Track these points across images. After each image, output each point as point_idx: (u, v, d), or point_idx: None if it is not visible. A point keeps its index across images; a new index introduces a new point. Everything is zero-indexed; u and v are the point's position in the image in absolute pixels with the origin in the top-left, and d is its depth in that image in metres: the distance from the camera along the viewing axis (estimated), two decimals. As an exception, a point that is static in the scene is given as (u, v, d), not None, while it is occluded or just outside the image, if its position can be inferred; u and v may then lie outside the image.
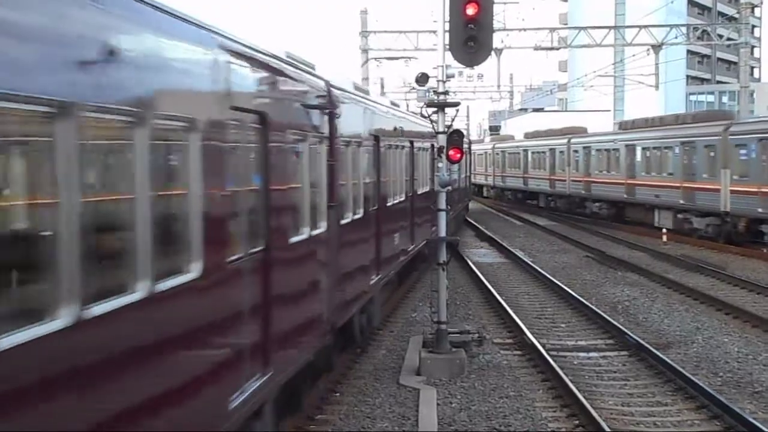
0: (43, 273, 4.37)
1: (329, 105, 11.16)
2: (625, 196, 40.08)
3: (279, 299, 8.55)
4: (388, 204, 17.28)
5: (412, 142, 20.98)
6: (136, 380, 5.34)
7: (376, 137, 15.87)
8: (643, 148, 38.32)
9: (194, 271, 6.27)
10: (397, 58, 42.86)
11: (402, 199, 19.35)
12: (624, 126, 44.41)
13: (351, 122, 12.97)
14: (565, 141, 49.06)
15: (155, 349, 5.66)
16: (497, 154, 63.53)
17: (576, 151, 47.09)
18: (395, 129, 18.50)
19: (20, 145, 4.33)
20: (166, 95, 5.87)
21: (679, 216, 35.06)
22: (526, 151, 56.28)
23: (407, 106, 40.42)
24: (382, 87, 57.78)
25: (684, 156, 34.91)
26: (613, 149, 41.97)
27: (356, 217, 13.64)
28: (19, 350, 3.97)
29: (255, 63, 8.09)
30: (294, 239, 9.29)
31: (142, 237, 5.41)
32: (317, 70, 10.96)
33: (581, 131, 52.11)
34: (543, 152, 52.37)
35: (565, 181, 48.63)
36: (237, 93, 7.37)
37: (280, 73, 9.05)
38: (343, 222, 12.46)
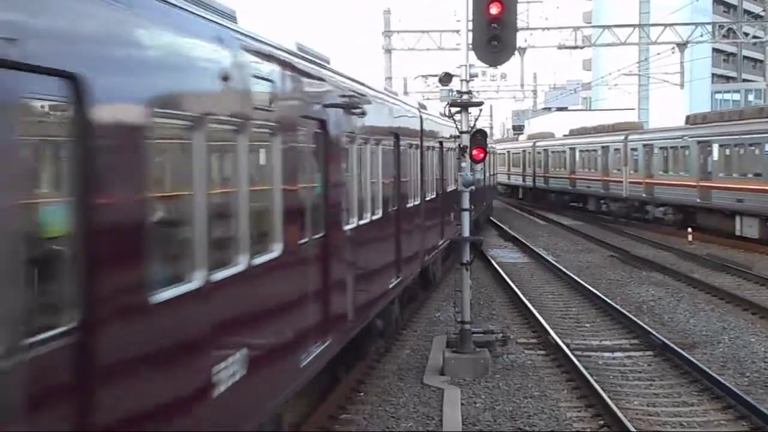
0: (184, 247, 6.02)
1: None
2: (698, 200, 35.46)
3: (336, 280, 10.25)
4: (408, 205, 16.99)
5: (441, 143, 21.54)
6: (246, 329, 7.11)
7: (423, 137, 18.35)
8: (722, 146, 33.79)
9: (276, 250, 7.85)
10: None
11: (433, 197, 19.57)
12: (693, 120, 39.22)
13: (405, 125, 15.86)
14: (621, 138, 44.03)
15: (256, 306, 7.42)
16: (538, 152, 58.57)
17: (634, 149, 42.16)
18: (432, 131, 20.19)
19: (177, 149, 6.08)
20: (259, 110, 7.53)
21: None
22: (573, 149, 51.43)
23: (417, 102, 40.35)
24: (405, 87, 57.77)
25: None
26: (682, 146, 37.21)
27: (374, 217, 13.42)
28: (171, 303, 5.60)
29: (316, 77, 9.78)
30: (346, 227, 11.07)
31: (243, 222, 7.01)
32: (358, 79, 12.60)
33: (636, 127, 47.71)
34: (593, 150, 47.63)
35: (621, 182, 43.63)
36: (305, 104, 9.21)
37: (334, 85, 10.65)
38: (361, 222, 12.29)
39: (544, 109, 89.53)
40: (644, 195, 40.70)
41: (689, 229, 34.54)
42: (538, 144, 59.56)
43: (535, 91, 74.81)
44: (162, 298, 5.39)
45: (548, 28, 41.53)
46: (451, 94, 16.14)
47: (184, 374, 5.85)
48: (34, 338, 4.05)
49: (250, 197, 7.10)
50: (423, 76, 49.82)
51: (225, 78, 6.58)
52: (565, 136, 56.79)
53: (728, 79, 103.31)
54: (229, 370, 6.51)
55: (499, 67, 15.65)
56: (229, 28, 6.94)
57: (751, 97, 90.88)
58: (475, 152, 14.56)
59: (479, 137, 14.82)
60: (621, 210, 43.79)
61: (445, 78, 15.90)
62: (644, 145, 41.28)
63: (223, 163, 6.87)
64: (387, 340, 15.15)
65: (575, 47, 42.26)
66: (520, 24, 21.36)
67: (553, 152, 55.58)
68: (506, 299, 21.33)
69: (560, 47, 41.47)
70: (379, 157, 13.63)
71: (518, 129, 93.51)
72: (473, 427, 11.35)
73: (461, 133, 14.70)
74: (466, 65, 14.68)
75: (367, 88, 12.98)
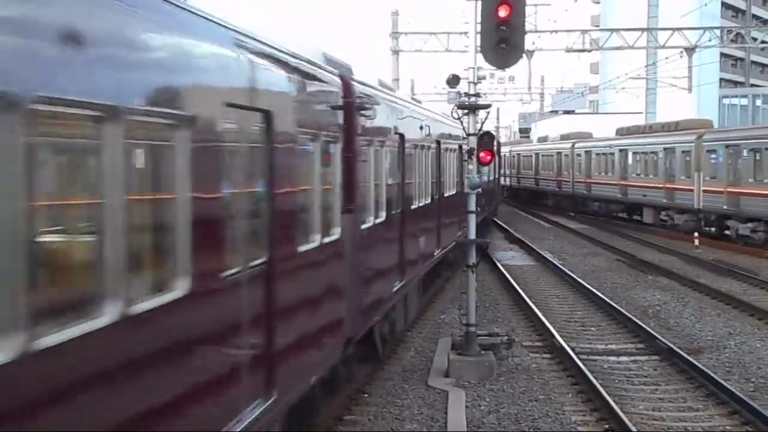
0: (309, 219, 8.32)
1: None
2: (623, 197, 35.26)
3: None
4: (413, 207, 16.58)
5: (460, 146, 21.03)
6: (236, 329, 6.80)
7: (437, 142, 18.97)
8: (634, 153, 33.05)
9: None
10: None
11: (428, 202, 18.89)
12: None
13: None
14: (692, 138, 37.50)
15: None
16: (578, 155, 51.98)
17: (712, 152, 35.71)
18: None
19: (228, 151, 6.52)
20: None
21: None
22: (624, 151, 44.98)
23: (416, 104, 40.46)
24: (413, 88, 57.75)
25: None
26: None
27: (378, 221, 12.98)
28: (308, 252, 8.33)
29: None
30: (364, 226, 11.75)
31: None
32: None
33: (705, 124, 41.71)
34: (653, 153, 41.16)
35: (691, 191, 36.92)
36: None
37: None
38: (363, 226, 11.85)
39: (551, 112, 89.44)
40: (725, 207, 34.29)
41: (696, 234, 34.44)
42: (578, 145, 52.77)
43: (542, 94, 74.85)
44: (303, 249, 8.28)
45: (556, 31, 41.54)
46: (459, 96, 16.08)
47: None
48: (251, 263, 6.88)
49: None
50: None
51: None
52: (610, 137, 49.69)
53: (736, 84, 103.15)
54: None
55: (506, 69, 15.57)
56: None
57: (758, 102, 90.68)
58: (482, 155, 14.54)
59: (486, 139, 14.81)
60: (690, 224, 36.98)
61: (453, 80, 15.89)
62: (726, 147, 34.71)
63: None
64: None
65: (583, 50, 42.27)
66: (528, 27, 21.33)
67: (598, 155, 48.67)
68: (511, 302, 21.31)
69: (568, 50, 41.48)
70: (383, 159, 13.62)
71: (525, 132, 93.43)
72: (478, 429, 11.34)
73: (468, 135, 14.69)
74: (474, 67, 14.68)
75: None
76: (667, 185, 39.27)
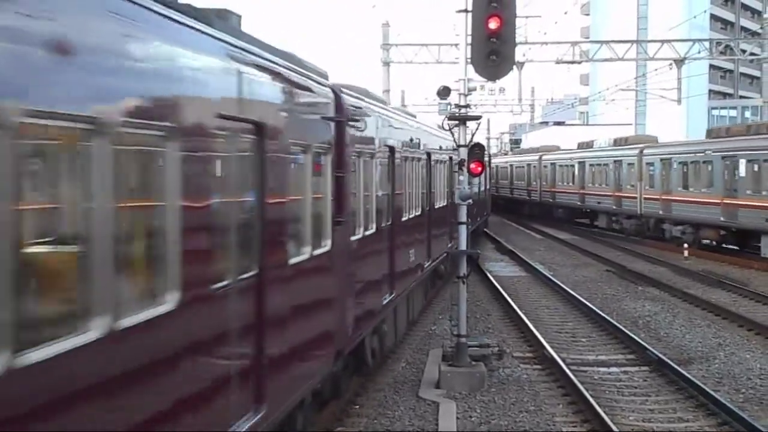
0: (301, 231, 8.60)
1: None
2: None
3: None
4: (403, 219, 16.31)
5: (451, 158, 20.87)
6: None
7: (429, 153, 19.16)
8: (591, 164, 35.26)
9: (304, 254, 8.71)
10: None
11: (418, 213, 18.47)
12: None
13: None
14: (635, 152, 39.35)
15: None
16: (544, 166, 52.53)
17: (650, 164, 38.09)
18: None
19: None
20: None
21: None
22: (582, 163, 45.97)
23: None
24: (403, 99, 57.82)
25: None
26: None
27: (368, 233, 12.72)
28: (299, 264, 8.48)
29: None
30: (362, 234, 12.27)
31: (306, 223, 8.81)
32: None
33: (650, 140, 43.36)
34: (605, 165, 43.73)
35: (635, 198, 39.32)
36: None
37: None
38: (353, 238, 11.60)
39: (541, 123, 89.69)
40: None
41: (685, 245, 34.58)
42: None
43: (532, 105, 75.04)
44: (294, 261, 8.29)
45: (546, 43, 41.71)
46: (449, 107, 16.13)
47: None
48: (241, 276, 6.87)
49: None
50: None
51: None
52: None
53: (725, 95, 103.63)
54: None
55: (497, 81, 15.63)
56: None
57: (747, 114, 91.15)
58: (472, 166, 14.58)
59: (477, 151, 14.85)
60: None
61: (444, 91, 15.95)
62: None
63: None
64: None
65: (573, 62, 42.48)
66: (518, 38, 21.41)
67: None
68: (502, 313, 21.32)
69: (558, 62, 41.66)
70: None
71: (516, 143, 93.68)
72: (468, 441, 11.33)
73: (459, 146, 14.73)
74: (464, 79, 14.73)
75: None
76: (616, 193, 43.21)
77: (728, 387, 14.19)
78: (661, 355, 15.71)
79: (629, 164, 41.83)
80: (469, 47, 13.99)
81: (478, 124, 15.23)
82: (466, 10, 14.06)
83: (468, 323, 14.82)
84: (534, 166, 58.33)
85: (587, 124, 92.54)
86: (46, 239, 4.38)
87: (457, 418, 12.22)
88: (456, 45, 17.58)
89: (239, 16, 7.81)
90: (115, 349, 4.76)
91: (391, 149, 14.97)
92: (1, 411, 3.86)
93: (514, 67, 16.10)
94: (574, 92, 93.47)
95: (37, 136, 4.19)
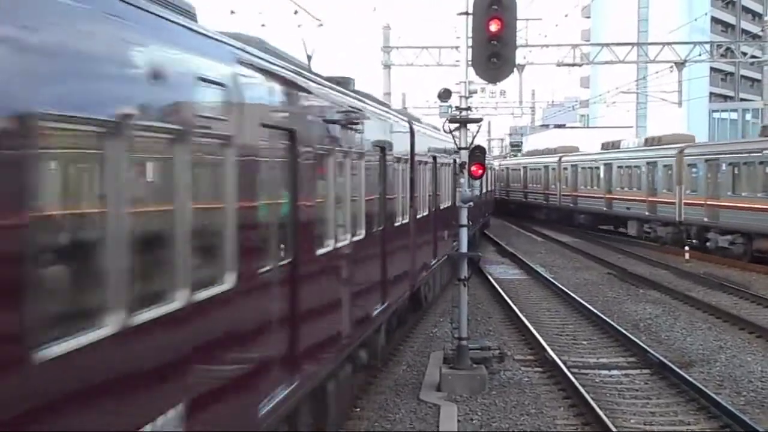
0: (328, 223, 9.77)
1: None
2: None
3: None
4: (396, 224, 15.56)
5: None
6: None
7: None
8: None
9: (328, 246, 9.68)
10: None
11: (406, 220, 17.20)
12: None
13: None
14: (674, 152, 36.50)
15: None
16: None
17: (693, 166, 35.30)
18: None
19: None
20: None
21: None
22: (609, 165, 43.81)
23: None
24: (404, 101, 57.84)
25: None
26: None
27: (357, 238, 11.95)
28: (324, 254, 9.40)
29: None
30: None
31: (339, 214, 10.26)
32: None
33: (688, 139, 40.53)
34: (636, 167, 40.60)
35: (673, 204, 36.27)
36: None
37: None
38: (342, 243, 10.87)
39: (542, 125, 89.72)
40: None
41: (686, 248, 34.52)
42: (564, 159, 52.40)
43: (533, 108, 75.08)
44: (322, 252, 9.26)
45: (547, 46, 41.74)
46: (450, 110, 16.15)
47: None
48: (276, 263, 7.67)
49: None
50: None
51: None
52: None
53: (726, 98, 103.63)
54: None
55: (498, 83, 15.68)
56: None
57: (748, 116, 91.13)
58: (473, 168, 14.58)
59: (478, 153, 14.85)
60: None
61: (445, 94, 15.95)
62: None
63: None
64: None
65: (573, 65, 42.52)
66: (519, 41, 21.44)
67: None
68: (503, 315, 21.31)
69: (559, 64, 41.69)
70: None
71: (516, 146, 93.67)
72: (469, 443, 11.32)
73: (460, 149, 14.73)
74: (465, 81, 14.73)
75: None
76: (650, 198, 39.24)
77: (729, 390, 14.17)
78: (662, 358, 15.70)
79: (666, 166, 37.79)
80: (469, 50, 14.00)
81: (479, 126, 15.23)
82: (467, 13, 14.06)
83: (469, 326, 14.82)
84: (553, 168, 54.19)
85: (588, 127, 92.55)
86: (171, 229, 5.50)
87: (458, 420, 12.21)
88: (457, 47, 17.56)
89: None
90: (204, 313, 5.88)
91: (434, 158, 20.19)
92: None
93: (515, 69, 16.14)
94: (574, 95, 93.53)
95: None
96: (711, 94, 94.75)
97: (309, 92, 9.14)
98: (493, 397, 13.52)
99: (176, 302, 5.47)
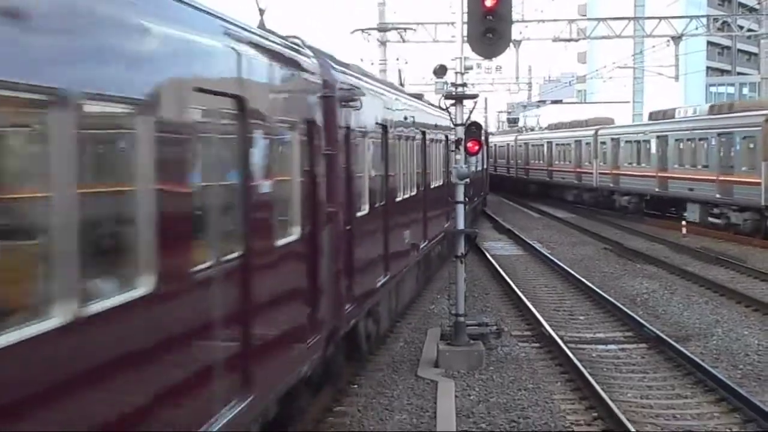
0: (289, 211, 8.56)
1: None
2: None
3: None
4: (398, 199, 16.06)
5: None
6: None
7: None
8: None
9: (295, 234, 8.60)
10: None
11: (414, 193, 18.10)
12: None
13: None
14: (760, 120, 30.10)
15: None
16: (602, 143, 43.10)
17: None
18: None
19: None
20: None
21: None
22: (663, 137, 37.65)
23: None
24: (401, 78, 57.61)
25: None
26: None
27: (360, 213, 12.42)
28: (283, 246, 8.27)
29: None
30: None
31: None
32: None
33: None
34: (702, 139, 34.28)
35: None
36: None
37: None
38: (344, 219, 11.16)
39: (539, 101, 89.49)
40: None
41: (683, 222, 34.53)
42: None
43: (530, 84, 74.88)
44: (280, 244, 8.04)
45: (543, 21, 41.53)
46: (446, 86, 16.09)
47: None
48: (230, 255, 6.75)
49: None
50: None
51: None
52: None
53: (723, 72, 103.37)
54: None
55: (494, 59, 15.62)
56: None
57: (745, 90, 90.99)
58: (469, 145, 14.55)
59: (474, 129, 14.82)
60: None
61: (440, 70, 15.89)
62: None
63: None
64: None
65: (570, 40, 42.27)
66: (514, 16, 21.37)
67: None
68: (500, 292, 21.35)
69: (555, 40, 41.48)
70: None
71: (513, 122, 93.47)
72: (467, 419, 11.36)
73: (456, 125, 14.70)
74: (461, 57, 14.67)
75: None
76: (721, 177, 32.55)
77: (726, 363, 14.22)
78: (659, 332, 15.75)
79: (747, 137, 30.91)
80: (465, 25, 13.93)
81: (475, 102, 15.19)
82: (462, -12, 13.99)
83: (466, 302, 14.84)
84: (587, 143, 47.05)
85: (585, 102, 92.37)
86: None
87: (456, 396, 12.25)
88: (452, 23, 17.48)
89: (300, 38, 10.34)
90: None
91: (384, 127, 14.85)
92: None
93: (511, 45, 16.08)
94: (571, 70, 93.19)
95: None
96: (708, 68, 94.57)
97: (260, 52, 7.77)
98: (491, 373, 13.56)
99: (55, 318, 4.18)
